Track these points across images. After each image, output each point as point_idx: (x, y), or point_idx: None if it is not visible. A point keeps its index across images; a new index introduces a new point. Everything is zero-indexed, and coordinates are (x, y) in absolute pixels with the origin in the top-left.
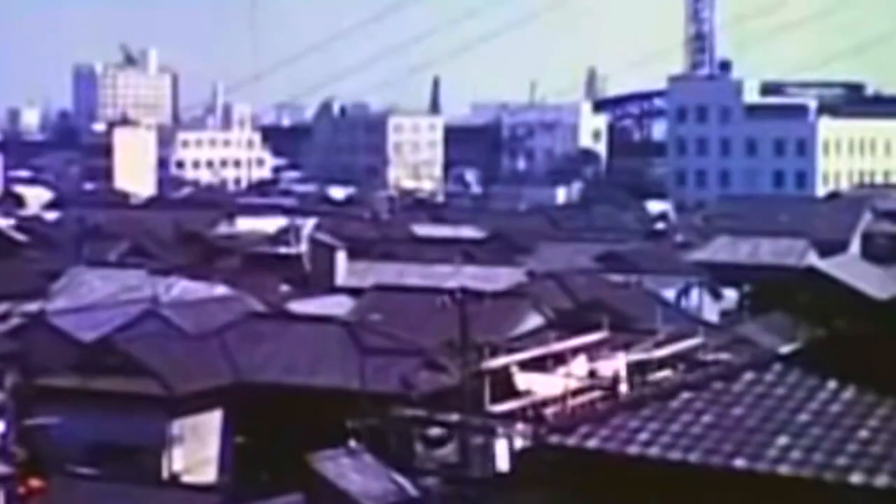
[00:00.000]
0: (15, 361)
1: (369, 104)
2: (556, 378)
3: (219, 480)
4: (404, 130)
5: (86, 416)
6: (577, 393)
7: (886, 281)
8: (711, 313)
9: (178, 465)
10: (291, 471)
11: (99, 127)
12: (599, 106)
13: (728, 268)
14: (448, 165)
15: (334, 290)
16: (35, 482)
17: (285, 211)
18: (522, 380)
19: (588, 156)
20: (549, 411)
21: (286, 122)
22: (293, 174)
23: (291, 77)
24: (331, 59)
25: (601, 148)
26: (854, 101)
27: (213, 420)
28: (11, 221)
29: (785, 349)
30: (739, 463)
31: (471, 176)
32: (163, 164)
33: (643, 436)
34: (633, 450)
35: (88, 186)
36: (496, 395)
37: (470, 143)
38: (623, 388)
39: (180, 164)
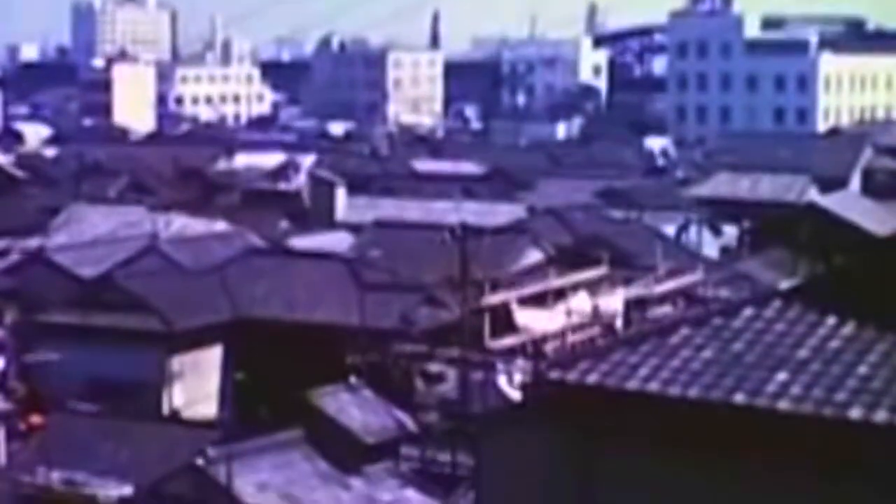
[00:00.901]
0: (15, 298)
1: (368, 39)
2: (555, 314)
3: (219, 416)
4: (404, 66)
5: (86, 353)
6: (576, 328)
7: (886, 217)
8: (711, 249)
9: (178, 401)
10: (291, 406)
11: (98, 63)
12: (600, 41)
13: (728, 204)
14: (448, 101)
15: (334, 226)
16: (35, 418)
17: (285, 147)
18: (522, 316)
19: (588, 91)
20: (548, 347)
21: (285, 57)
22: (292, 110)
23: (291, 12)
24: None
25: (601, 83)
26: (855, 37)
27: (212, 356)
28: (10, 158)
29: (784, 285)
30: (739, 398)
31: (471, 111)
32: (162, 100)
33: (643, 371)
34: (632, 385)
35: (87, 122)
36: (496, 331)
37: (470, 79)
38: (622, 323)
39: (179, 100)
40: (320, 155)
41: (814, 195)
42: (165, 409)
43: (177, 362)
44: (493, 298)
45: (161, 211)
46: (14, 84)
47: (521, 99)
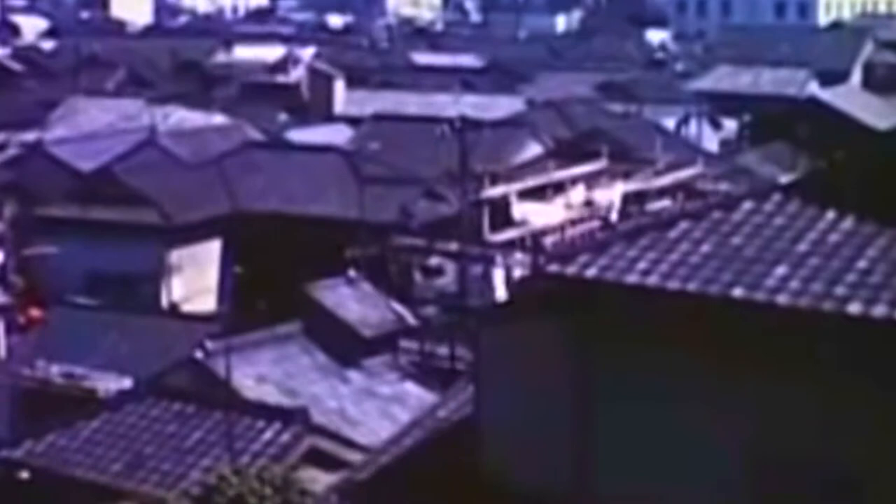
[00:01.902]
0: (13, 191)
1: None
2: (555, 207)
3: (218, 309)
4: None
5: (85, 246)
6: (576, 222)
7: (887, 111)
8: (711, 143)
9: (176, 295)
10: (290, 299)
11: None
12: None
13: (728, 97)
14: None
15: (333, 118)
16: (34, 311)
17: (283, 39)
18: (521, 209)
19: None
20: (547, 240)
21: None
22: (291, 2)
23: None
24: None
25: None
26: None
27: (211, 249)
28: (7, 51)
29: (784, 179)
30: (737, 292)
31: (470, 4)
32: None
33: (641, 265)
34: (631, 279)
35: (84, 15)
36: (495, 225)
37: None
38: (621, 216)
39: None
40: (319, 47)
41: (814, 89)
42: (164, 303)
43: (175, 256)
44: (493, 192)
45: (159, 104)
46: None
47: None
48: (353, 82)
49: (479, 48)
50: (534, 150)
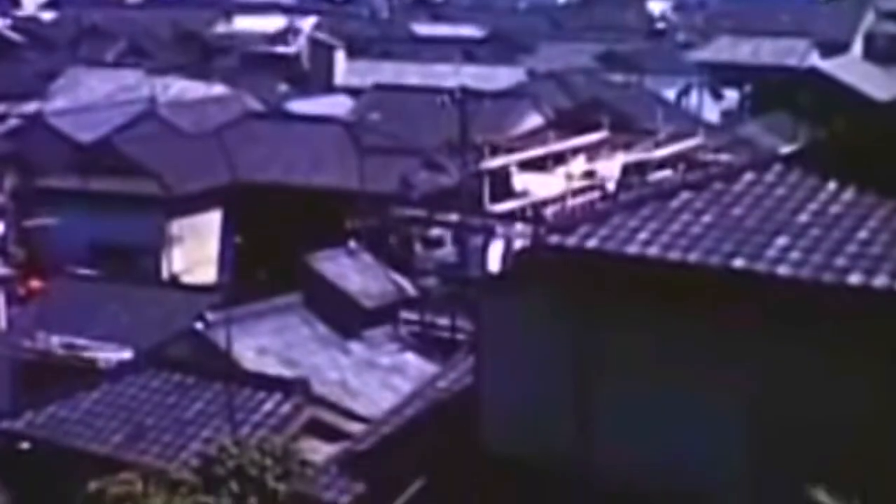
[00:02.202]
0: (13, 162)
1: None
2: (555, 178)
3: (218, 280)
4: None
5: (85, 217)
6: (576, 193)
7: (888, 82)
8: (712, 113)
9: (177, 266)
10: (290, 270)
11: None
12: None
13: (729, 68)
14: None
15: (333, 89)
16: (35, 283)
17: (284, 9)
18: (522, 180)
19: None
20: (548, 211)
21: None
22: None
23: None
24: None
25: None
26: None
27: (212, 220)
28: (8, 22)
29: (785, 150)
30: (738, 263)
31: None
32: None
33: (642, 235)
34: (632, 249)
35: None
36: (496, 196)
37: None
38: (622, 187)
39: None
40: (320, 18)
41: (815, 60)
42: (165, 274)
43: (176, 226)
44: (493, 162)
45: (159, 75)
46: None
47: None
48: (354, 53)
49: (479, 18)
50: (534, 120)
